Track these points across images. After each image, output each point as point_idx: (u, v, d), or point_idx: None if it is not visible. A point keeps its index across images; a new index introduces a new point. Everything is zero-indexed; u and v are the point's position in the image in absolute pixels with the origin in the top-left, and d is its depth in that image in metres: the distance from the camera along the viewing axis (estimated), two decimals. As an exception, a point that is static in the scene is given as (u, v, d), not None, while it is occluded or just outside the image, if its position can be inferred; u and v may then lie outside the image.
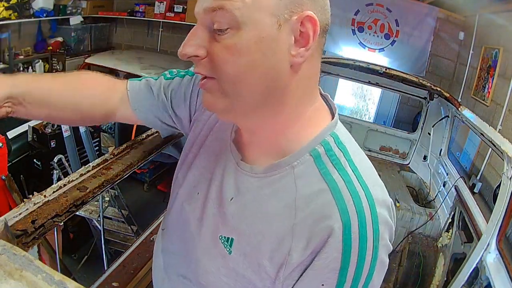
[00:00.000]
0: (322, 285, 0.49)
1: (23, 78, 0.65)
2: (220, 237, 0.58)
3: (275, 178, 0.54)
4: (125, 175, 0.84)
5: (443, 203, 2.56)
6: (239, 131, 0.62)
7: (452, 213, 2.37)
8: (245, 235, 0.55)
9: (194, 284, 0.63)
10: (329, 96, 0.60)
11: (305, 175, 0.52)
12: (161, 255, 0.74)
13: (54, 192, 0.70)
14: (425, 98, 3.01)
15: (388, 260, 0.54)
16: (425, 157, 3.07)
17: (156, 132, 1.08)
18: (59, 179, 2.59)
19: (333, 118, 0.57)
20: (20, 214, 0.64)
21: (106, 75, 0.76)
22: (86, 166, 0.81)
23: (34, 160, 3.06)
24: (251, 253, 0.54)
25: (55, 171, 2.62)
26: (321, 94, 0.59)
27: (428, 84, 2.66)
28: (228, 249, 0.56)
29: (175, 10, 5.09)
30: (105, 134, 4.27)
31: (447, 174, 2.66)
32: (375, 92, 5.06)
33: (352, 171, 0.52)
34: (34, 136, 3.07)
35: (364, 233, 0.48)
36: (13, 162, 2.90)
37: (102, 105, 0.72)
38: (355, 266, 0.49)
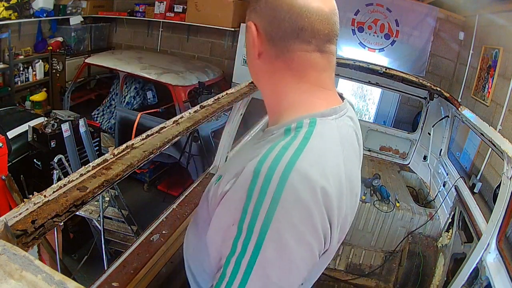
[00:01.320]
0: (233, 225, 0.58)
1: None
2: (217, 176, 0.74)
3: (259, 142, 0.70)
4: (125, 175, 0.84)
5: (443, 203, 2.56)
6: None
7: (452, 213, 2.37)
8: (225, 173, 0.69)
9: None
10: (346, 97, 0.77)
11: (272, 140, 0.65)
12: None
13: (54, 192, 0.70)
14: (425, 98, 3.01)
15: (301, 250, 0.58)
16: (425, 157, 3.07)
17: (157, 132, 1.08)
18: (59, 179, 2.59)
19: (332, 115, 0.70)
20: (20, 214, 0.64)
21: None
22: (86, 166, 0.81)
23: (34, 160, 3.06)
24: (221, 185, 0.67)
25: (55, 171, 2.62)
26: (341, 96, 0.76)
27: (428, 84, 2.66)
28: (215, 182, 0.72)
29: (175, 10, 5.10)
30: (105, 134, 4.27)
31: (447, 174, 2.66)
32: (375, 92, 5.06)
33: (298, 144, 0.61)
34: (34, 136, 3.07)
35: (266, 185, 0.56)
36: (13, 162, 2.90)
37: None
38: (251, 215, 0.56)
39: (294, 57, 0.69)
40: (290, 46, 0.69)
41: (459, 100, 2.72)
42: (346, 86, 4.94)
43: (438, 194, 2.71)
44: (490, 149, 2.38)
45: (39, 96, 4.87)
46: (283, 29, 0.68)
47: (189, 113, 1.18)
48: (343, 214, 0.64)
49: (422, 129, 3.14)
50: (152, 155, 0.96)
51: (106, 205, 2.73)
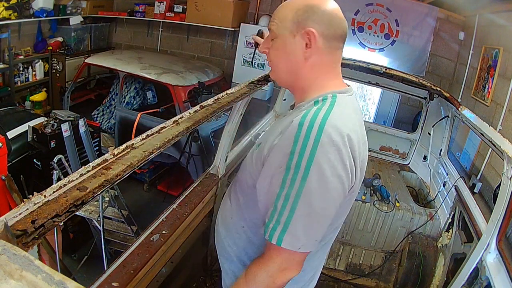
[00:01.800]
0: (280, 167, 0.80)
1: None
2: (257, 144, 1.00)
3: (292, 112, 0.95)
4: (125, 175, 0.84)
5: (443, 203, 2.56)
6: None
7: (452, 213, 2.37)
8: (266, 140, 0.92)
9: (237, 179, 1.10)
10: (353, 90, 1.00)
11: (305, 109, 0.87)
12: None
13: (54, 192, 0.70)
14: (425, 98, 3.01)
15: (334, 181, 0.78)
16: (425, 157, 3.07)
17: (157, 132, 1.08)
18: (59, 179, 2.59)
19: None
20: (20, 214, 0.64)
21: None
22: (86, 166, 0.81)
23: (34, 160, 3.06)
24: (264, 147, 0.91)
25: (55, 171, 2.62)
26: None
27: (428, 84, 2.66)
28: (256, 148, 0.98)
29: (175, 10, 5.09)
30: (105, 134, 4.27)
31: (447, 174, 2.66)
32: (375, 92, 5.06)
33: (328, 107, 0.84)
34: (34, 136, 3.07)
35: (309, 133, 0.77)
36: (13, 162, 2.89)
37: None
38: (298, 154, 0.77)
39: (336, 54, 0.94)
40: (335, 45, 0.92)
41: (459, 100, 2.71)
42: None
43: (438, 194, 2.70)
44: (490, 149, 2.38)
45: (39, 96, 4.86)
46: (333, 32, 0.90)
47: (189, 113, 1.18)
48: (362, 157, 0.85)
49: (422, 129, 3.13)
50: (152, 155, 0.96)
51: (106, 205, 2.72)
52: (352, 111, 0.89)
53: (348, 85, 0.98)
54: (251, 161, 0.97)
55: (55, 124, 3.04)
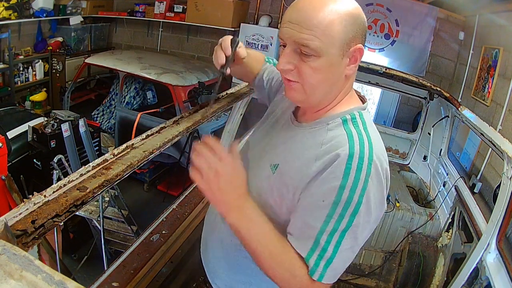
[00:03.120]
0: (323, 201, 0.73)
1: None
2: (270, 165, 0.87)
3: (315, 129, 0.85)
4: (125, 175, 0.84)
5: (443, 203, 2.56)
6: (297, 107, 0.96)
7: (452, 213, 2.37)
8: (286, 161, 0.84)
9: None
10: (362, 93, 0.94)
11: (334, 128, 0.82)
12: None
13: (54, 192, 0.70)
14: (425, 98, 3.01)
15: (376, 212, 0.75)
16: (425, 157, 3.07)
17: (157, 132, 1.08)
18: (59, 179, 2.59)
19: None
20: (20, 214, 0.64)
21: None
22: (86, 166, 0.81)
23: (34, 160, 3.06)
24: (287, 171, 0.82)
25: (55, 171, 2.62)
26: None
27: (428, 84, 2.66)
28: (273, 171, 0.85)
29: (175, 10, 5.09)
30: (105, 134, 4.27)
31: (447, 174, 2.66)
32: (375, 92, 5.05)
33: (365, 131, 0.79)
34: (34, 136, 3.07)
35: (360, 166, 0.72)
36: (13, 162, 2.89)
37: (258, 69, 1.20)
38: (349, 190, 0.71)
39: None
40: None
41: (459, 100, 2.71)
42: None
43: (438, 194, 2.70)
44: (490, 149, 2.38)
45: (39, 96, 4.86)
46: (365, 40, 0.81)
47: (189, 113, 1.18)
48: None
49: (422, 129, 3.13)
50: (152, 155, 0.96)
51: (106, 205, 2.72)
52: (377, 130, 0.84)
53: (359, 93, 0.92)
54: (267, 184, 0.85)
55: (55, 124, 3.04)
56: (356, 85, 4.47)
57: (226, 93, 1.61)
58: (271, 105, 1.11)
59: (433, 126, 2.90)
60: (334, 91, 0.83)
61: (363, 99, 0.92)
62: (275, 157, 0.88)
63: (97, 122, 4.45)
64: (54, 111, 3.29)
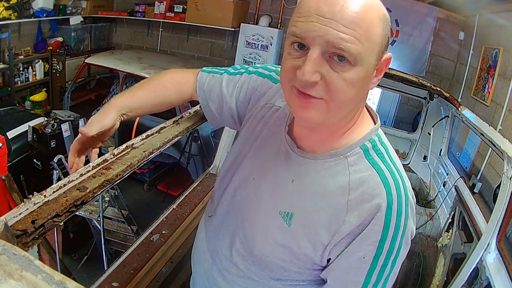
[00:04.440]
0: (364, 257, 0.64)
1: (123, 99, 0.90)
2: (280, 213, 0.70)
3: (331, 164, 0.68)
4: (125, 175, 0.84)
5: (443, 203, 2.56)
6: (291, 125, 0.76)
7: (452, 213, 2.37)
8: (305, 210, 0.68)
9: (248, 255, 0.77)
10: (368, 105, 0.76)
11: (356, 163, 0.67)
12: (207, 241, 0.88)
13: (54, 192, 0.70)
14: (425, 98, 3.01)
15: (410, 240, 0.68)
16: (425, 157, 3.07)
17: (157, 132, 1.08)
18: (59, 179, 2.59)
19: (375, 123, 0.73)
20: (20, 214, 0.64)
21: (182, 71, 0.97)
22: (86, 166, 0.81)
23: (34, 160, 3.06)
24: (310, 224, 0.67)
25: (55, 171, 2.62)
26: None
27: (428, 84, 2.66)
28: (287, 223, 0.69)
29: (175, 10, 5.09)
30: (105, 134, 4.26)
31: (447, 174, 2.66)
32: (375, 92, 5.05)
33: (392, 164, 0.67)
34: (34, 136, 3.07)
35: (400, 212, 0.63)
36: (13, 162, 2.89)
37: (180, 98, 0.95)
38: (390, 240, 0.63)
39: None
40: None
41: (459, 100, 2.71)
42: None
43: (438, 194, 2.70)
44: (490, 149, 2.38)
45: (39, 96, 4.86)
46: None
47: (189, 113, 1.18)
48: None
49: (422, 129, 3.13)
50: (152, 155, 0.95)
51: (106, 205, 2.73)
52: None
53: (370, 109, 0.76)
54: (281, 238, 0.70)
55: (55, 124, 3.04)
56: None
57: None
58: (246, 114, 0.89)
59: (433, 126, 2.90)
60: (356, 109, 0.68)
61: (370, 112, 0.76)
62: (286, 203, 0.70)
63: (97, 122, 4.44)
64: (54, 111, 3.29)
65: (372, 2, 0.59)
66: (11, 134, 3.05)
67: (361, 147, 0.68)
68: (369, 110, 0.75)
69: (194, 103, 1.06)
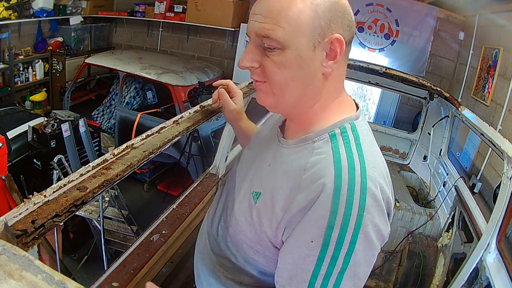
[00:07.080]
0: (312, 241, 0.62)
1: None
2: (252, 192, 0.75)
3: (300, 149, 0.71)
4: (125, 175, 0.84)
5: (443, 203, 2.56)
6: (285, 119, 0.84)
7: (452, 213, 2.37)
8: (270, 190, 0.71)
9: (226, 233, 0.83)
10: (355, 99, 0.80)
11: (320, 147, 0.68)
12: (206, 225, 0.95)
13: (54, 192, 0.70)
14: (425, 98, 3.01)
15: (378, 243, 0.64)
16: (425, 157, 3.07)
17: (157, 132, 1.08)
18: (59, 179, 2.59)
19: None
20: (20, 214, 0.64)
21: None
22: (86, 166, 0.81)
23: (34, 160, 3.06)
24: (271, 203, 0.69)
25: (55, 171, 2.62)
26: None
27: (428, 84, 2.66)
28: (255, 201, 0.73)
29: (175, 10, 5.09)
30: (105, 134, 4.27)
31: (447, 174, 2.66)
32: (375, 92, 5.05)
33: (357, 151, 0.65)
34: (34, 136, 3.07)
35: (351, 200, 0.60)
36: (13, 162, 2.90)
37: None
38: (339, 229, 0.60)
39: (347, 63, 0.73)
40: (349, 52, 0.71)
41: (459, 100, 2.71)
42: (346, 86, 4.92)
43: (438, 194, 2.71)
44: (490, 149, 2.38)
45: (39, 96, 4.86)
46: (352, 35, 0.69)
47: (189, 113, 1.18)
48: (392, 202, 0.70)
49: (422, 129, 3.13)
50: (152, 155, 0.96)
51: (106, 205, 2.73)
52: (374, 141, 0.72)
53: (353, 99, 0.79)
54: (249, 215, 0.74)
55: (55, 124, 3.04)
56: (357, 85, 4.48)
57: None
58: None
59: (433, 126, 2.90)
60: (309, 93, 0.70)
61: (358, 106, 0.79)
62: (258, 184, 0.75)
63: (97, 122, 4.45)
64: (54, 111, 3.30)
65: None
66: (11, 134, 3.05)
67: (329, 133, 0.70)
68: (357, 104, 0.79)
69: (194, 103, 1.06)
